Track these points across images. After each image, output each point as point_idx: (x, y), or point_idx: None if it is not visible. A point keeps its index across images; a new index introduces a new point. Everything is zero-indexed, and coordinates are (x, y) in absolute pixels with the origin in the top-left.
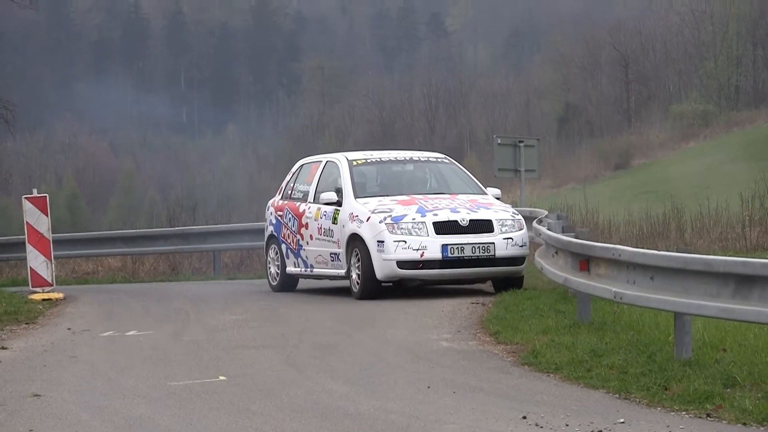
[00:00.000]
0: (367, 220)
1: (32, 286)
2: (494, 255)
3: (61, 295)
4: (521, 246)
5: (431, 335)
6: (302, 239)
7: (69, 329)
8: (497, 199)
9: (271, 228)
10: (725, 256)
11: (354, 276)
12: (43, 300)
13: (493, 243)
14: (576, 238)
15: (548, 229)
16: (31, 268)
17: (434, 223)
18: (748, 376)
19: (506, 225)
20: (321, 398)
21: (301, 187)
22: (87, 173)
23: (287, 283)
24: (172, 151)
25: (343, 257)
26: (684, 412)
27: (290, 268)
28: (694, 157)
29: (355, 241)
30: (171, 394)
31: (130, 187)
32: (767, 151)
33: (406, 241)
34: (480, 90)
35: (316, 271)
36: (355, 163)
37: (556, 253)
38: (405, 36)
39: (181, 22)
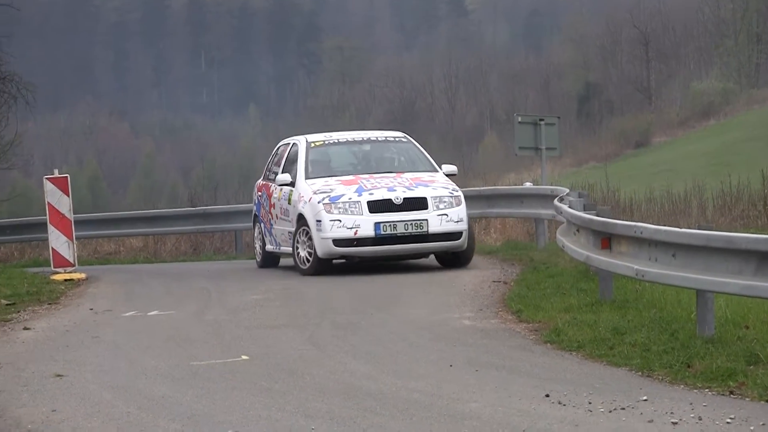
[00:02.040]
0: (309, 201)
1: (54, 267)
2: (427, 231)
3: (83, 276)
4: (457, 221)
5: (453, 314)
6: (273, 219)
7: (91, 309)
8: (452, 175)
9: (254, 207)
10: (747, 233)
11: (303, 254)
12: (65, 280)
13: (426, 219)
14: (597, 215)
15: (569, 207)
16: (53, 248)
17: (368, 202)
18: None
19: (443, 201)
20: (343, 377)
21: (275, 168)
22: (107, 155)
23: (268, 260)
24: (192, 131)
25: (297, 235)
26: (707, 390)
27: (268, 246)
28: (715, 135)
29: (302, 220)
30: (193, 373)
31: (150, 168)
32: None
33: (341, 220)
34: (500, 69)
35: (282, 249)
36: (312, 144)
37: (578, 231)
38: (424, 15)
39: (201, 3)
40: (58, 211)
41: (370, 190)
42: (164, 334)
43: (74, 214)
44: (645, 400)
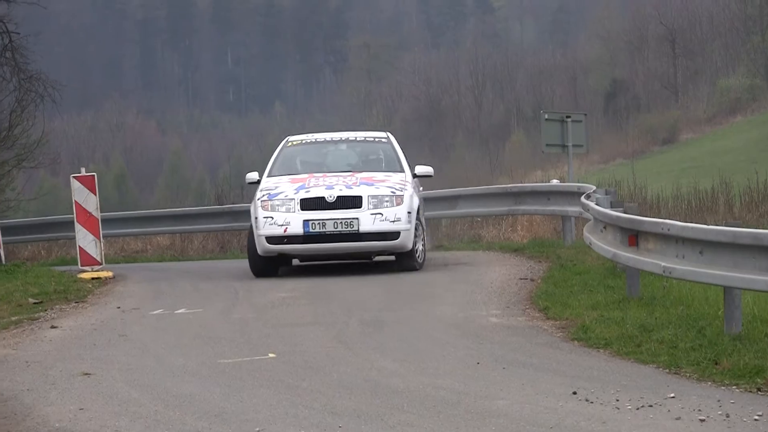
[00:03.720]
0: (255, 198)
1: (81, 265)
2: (358, 230)
3: (110, 274)
4: (393, 221)
5: (480, 311)
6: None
7: (118, 308)
8: (426, 177)
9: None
10: None
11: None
12: (93, 279)
13: (357, 218)
14: (624, 213)
15: (596, 204)
16: (80, 246)
17: (302, 200)
18: None
19: (384, 201)
20: (371, 375)
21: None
22: (134, 153)
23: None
24: (219, 129)
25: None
26: (734, 387)
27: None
28: (742, 132)
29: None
30: (221, 371)
31: (177, 165)
32: None
33: (273, 218)
34: (526, 66)
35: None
36: (289, 143)
37: (605, 228)
38: (451, 12)
39: (227, 0)
40: (85, 209)
41: (309, 188)
42: (191, 333)
43: (101, 212)
44: (672, 397)
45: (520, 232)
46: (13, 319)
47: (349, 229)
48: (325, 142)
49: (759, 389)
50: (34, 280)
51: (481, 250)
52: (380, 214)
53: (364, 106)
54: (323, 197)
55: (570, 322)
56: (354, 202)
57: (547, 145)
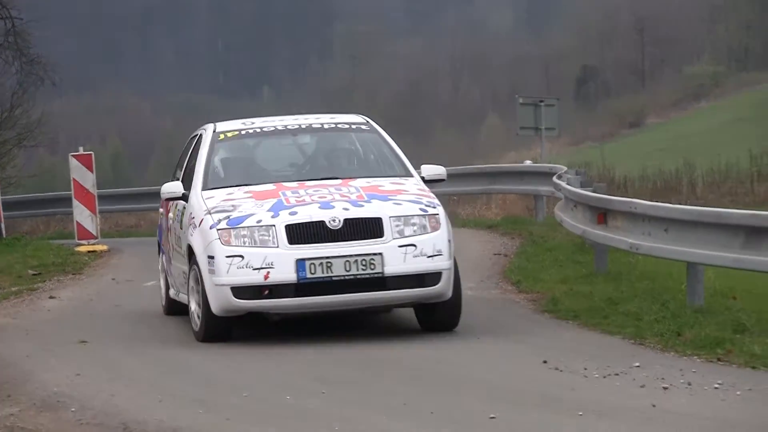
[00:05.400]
0: (200, 225)
1: (78, 239)
2: (383, 272)
3: (105, 248)
4: (432, 256)
5: None
6: (170, 249)
7: (113, 279)
8: (437, 181)
9: (157, 231)
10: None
11: (194, 308)
12: (89, 252)
13: (381, 254)
14: (594, 192)
15: (567, 184)
16: (77, 221)
17: (288, 227)
18: (756, 323)
19: (411, 224)
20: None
21: (177, 173)
22: (129, 133)
23: (175, 307)
24: (210, 112)
25: (188, 278)
26: (696, 357)
27: (171, 290)
28: (706, 117)
29: (193, 255)
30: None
31: (170, 146)
32: None
33: (243, 257)
34: (502, 53)
35: (181, 296)
36: (222, 136)
37: (575, 206)
38: (432, 1)
39: None
40: (82, 186)
41: (293, 207)
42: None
43: (98, 189)
44: (638, 366)
45: (494, 209)
46: (13, 289)
47: (368, 271)
48: (277, 132)
49: (719, 359)
50: (33, 252)
51: (457, 227)
52: (412, 246)
53: (348, 92)
54: (322, 221)
55: (541, 295)
56: (370, 227)
57: (521, 128)
